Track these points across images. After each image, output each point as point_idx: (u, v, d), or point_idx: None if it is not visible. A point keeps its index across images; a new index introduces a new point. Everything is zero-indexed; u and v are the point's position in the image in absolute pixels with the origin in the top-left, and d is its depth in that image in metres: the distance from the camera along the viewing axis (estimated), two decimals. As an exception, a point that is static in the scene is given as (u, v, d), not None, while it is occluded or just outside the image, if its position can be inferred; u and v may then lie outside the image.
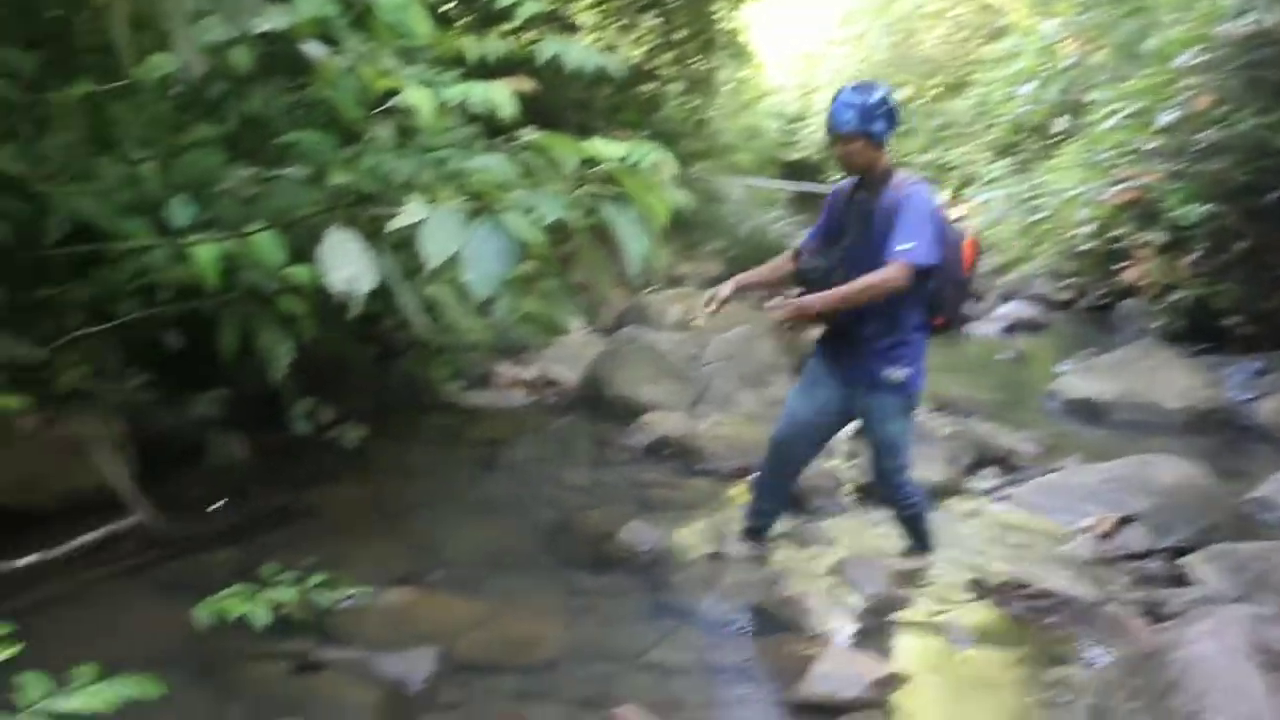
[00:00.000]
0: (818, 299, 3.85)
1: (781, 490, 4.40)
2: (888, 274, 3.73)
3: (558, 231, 3.66)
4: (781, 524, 4.62)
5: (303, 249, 4.25)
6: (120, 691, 2.48)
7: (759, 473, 4.43)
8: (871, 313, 3.90)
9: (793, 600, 4.02)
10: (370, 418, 5.76)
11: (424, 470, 5.70)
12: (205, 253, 4.04)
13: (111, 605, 3.78)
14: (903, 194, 3.86)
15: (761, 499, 4.43)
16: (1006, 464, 5.87)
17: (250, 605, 3.29)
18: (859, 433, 4.32)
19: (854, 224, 4.00)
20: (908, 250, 3.72)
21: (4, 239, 4.15)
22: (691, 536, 4.74)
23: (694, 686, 3.31)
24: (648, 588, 4.15)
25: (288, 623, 3.56)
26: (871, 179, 3.97)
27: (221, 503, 4.77)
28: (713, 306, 4.04)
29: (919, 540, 4.40)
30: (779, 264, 4.25)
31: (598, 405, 7.12)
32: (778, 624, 3.85)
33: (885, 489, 4.31)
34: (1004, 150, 16.05)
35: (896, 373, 3.99)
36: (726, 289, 4.05)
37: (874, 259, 3.80)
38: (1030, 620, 3.82)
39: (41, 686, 2.40)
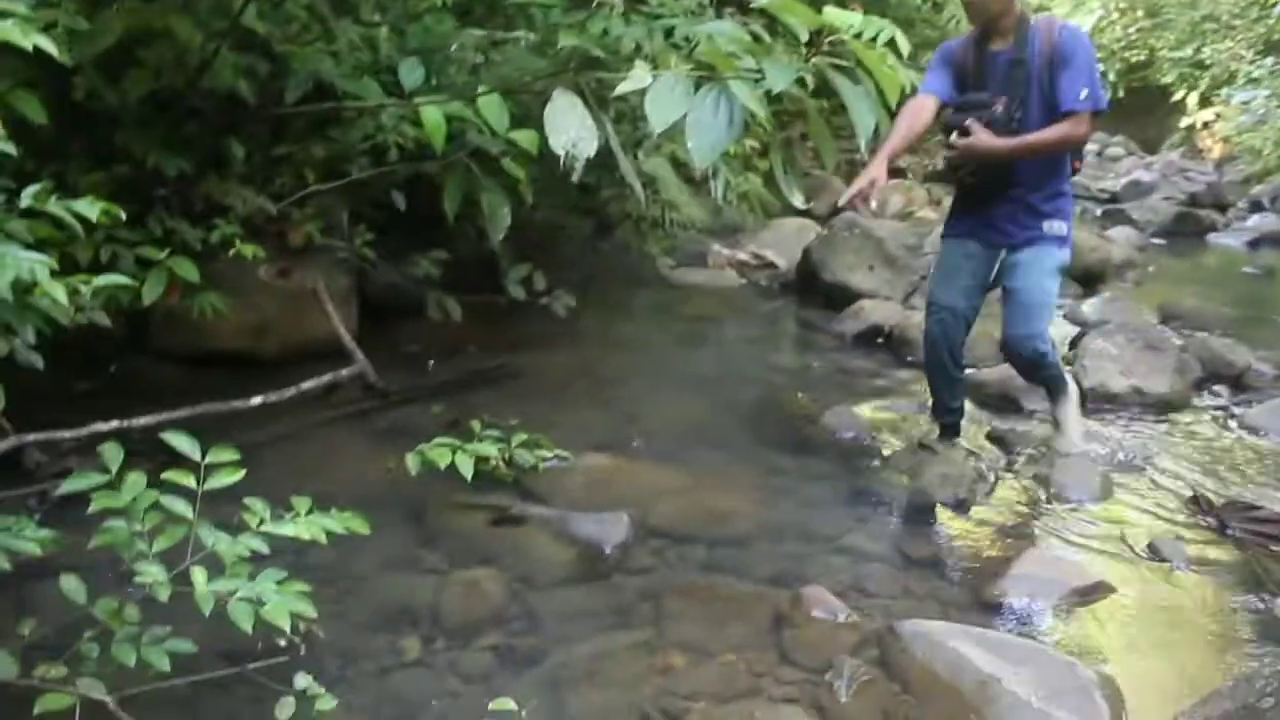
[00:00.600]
0: (1005, 143, 3.63)
1: (954, 383, 4.16)
2: (1077, 127, 3.62)
3: (782, 111, 3.50)
4: (987, 423, 4.42)
5: (528, 115, 4.28)
6: (331, 524, 2.61)
7: (928, 372, 4.20)
8: (1030, 164, 3.72)
9: (993, 500, 3.84)
10: (582, 288, 5.83)
11: (631, 343, 5.74)
12: (433, 115, 4.11)
13: (329, 447, 4.00)
14: (1058, 37, 3.63)
15: (939, 395, 4.21)
16: (1239, 383, 5.38)
17: (457, 457, 3.40)
18: (1003, 298, 3.98)
19: (996, 76, 3.72)
20: (1087, 99, 3.57)
21: (248, 97, 4.33)
22: (895, 427, 4.60)
23: (885, 576, 3.22)
24: (847, 473, 4.05)
25: (491, 477, 3.68)
26: (1004, 27, 3.71)
27: (436, 360, 4.96)
28: (874, 192, 3.53)
29: (1062, 407, 4.21)
30: (913, 123, 3.71)
31: (810, 290, 6.98)
32: (976, 522, 3.69)
33: (1026, 356, 3.94)
34: (1271, 48, 14.48)
35: (1057, 224, 3.81)
36: (878, 167, 3.54)
37: (1042, 108, 3.65)
38: (1251, 544, 3.50)
39: (262, 512, 2.55)
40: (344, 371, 4.40)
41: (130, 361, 4.50)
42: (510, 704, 2.13)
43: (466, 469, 3.38)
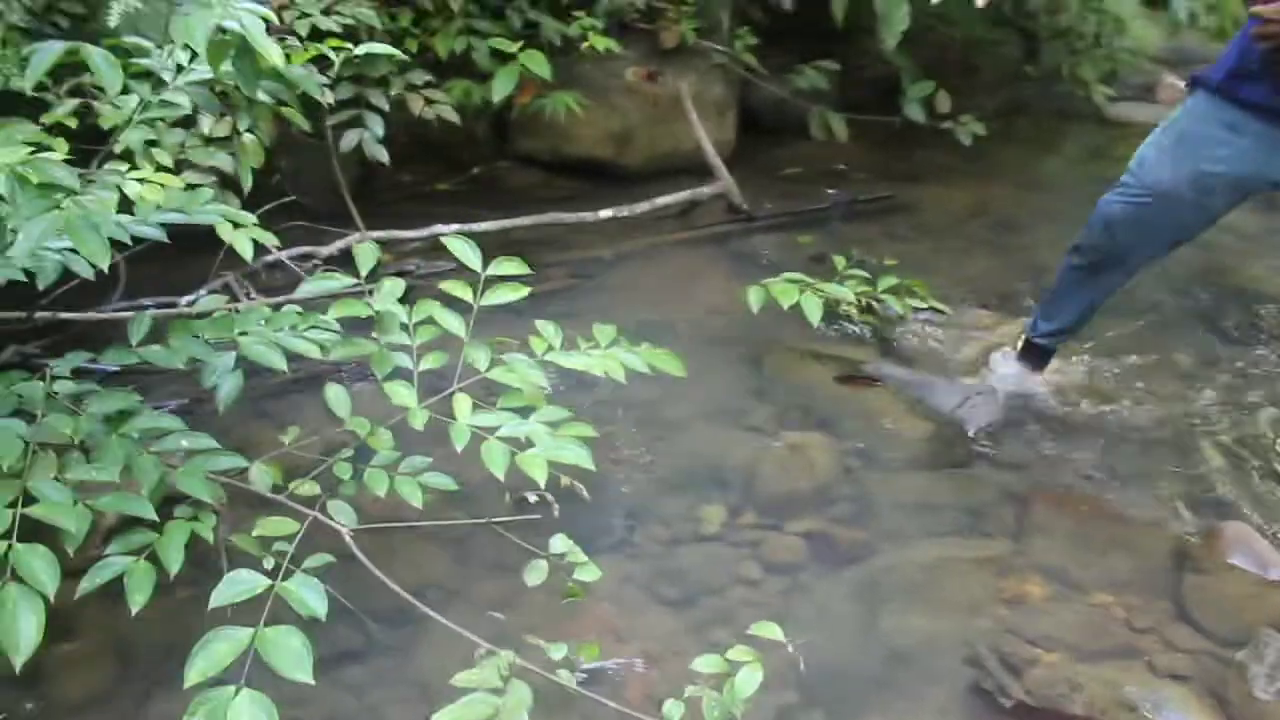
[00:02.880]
0: None
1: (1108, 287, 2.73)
2: None
3: None
4: None
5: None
6: (634, 360, 2.22)
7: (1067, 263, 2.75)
8: None
9: None
10: (995, 116, 4.95)
11: (1047, 184, 4.82)
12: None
13: (675, 270, 3.61)
14: None
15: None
16: None
17: (804, 298, 2.87)
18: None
19: None
20: None
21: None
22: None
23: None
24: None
25: (848, 322, 3.14)
26: None
27: (812, 184, 4.38)
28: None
29: None
30: None
31: None
32: None
33: None
34: None
35: None
36: None
37: None
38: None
39: (552, 337, 2.20)
40: (705, 189, 3.96)
41: (493, 165, 4.32)
42: (776, 632, 1.65)
43: (813, 312, 2.85)
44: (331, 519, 1.90)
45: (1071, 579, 2.13)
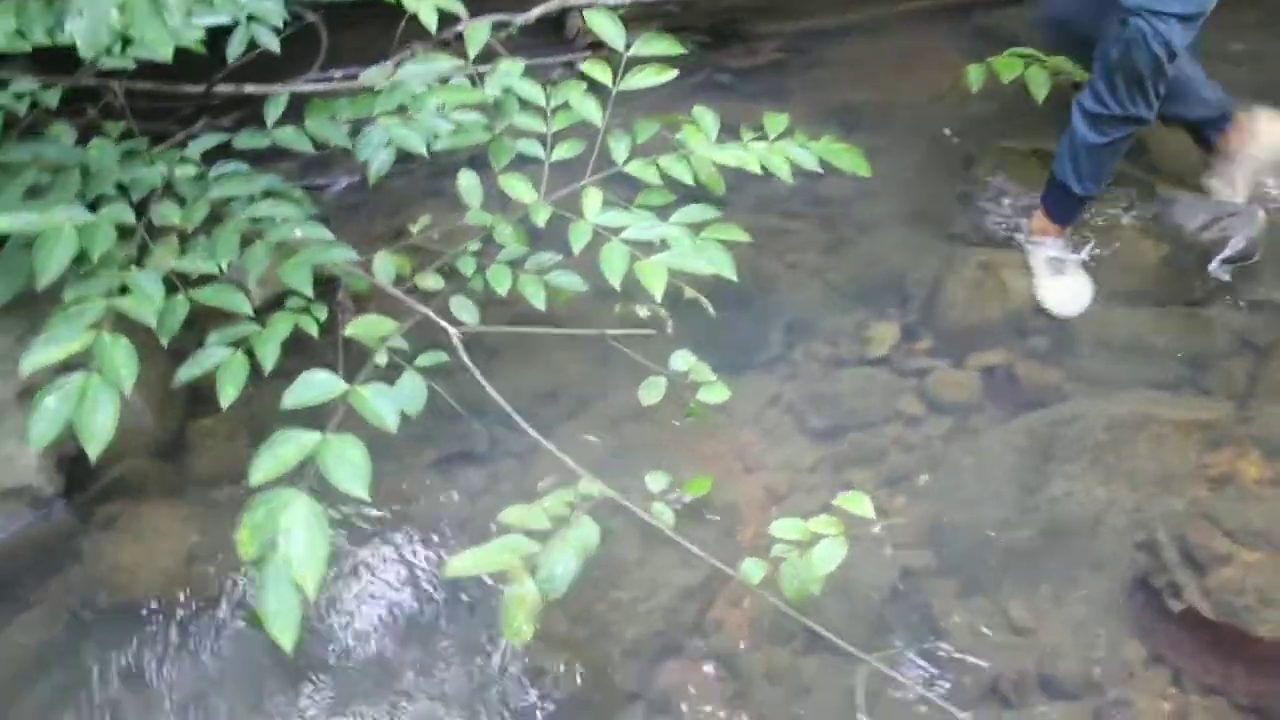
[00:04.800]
0: None
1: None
2: None
3: None
4: None
5: None
6: (804, 157, 1.97)
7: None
8: None
9: None
10: None
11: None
12: None
13: (906, 43, 3.14)
14: None
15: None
16: None
17: (1030, 72, 2.36)
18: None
19: None
20: None
21: None
22: None
23: None
24: None
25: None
26: None
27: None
28: None
29: None
30: None
31: None
32: None
33: None
34: None
35: None
36: None
37: None
38: None
39: (709, 127, 1.96)
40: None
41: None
42: (866, 506, 1.40)
43: (1039, 89, 2.36)
44: (441, 319, 1.79)
45: None
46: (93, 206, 1.77)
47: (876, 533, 1.57)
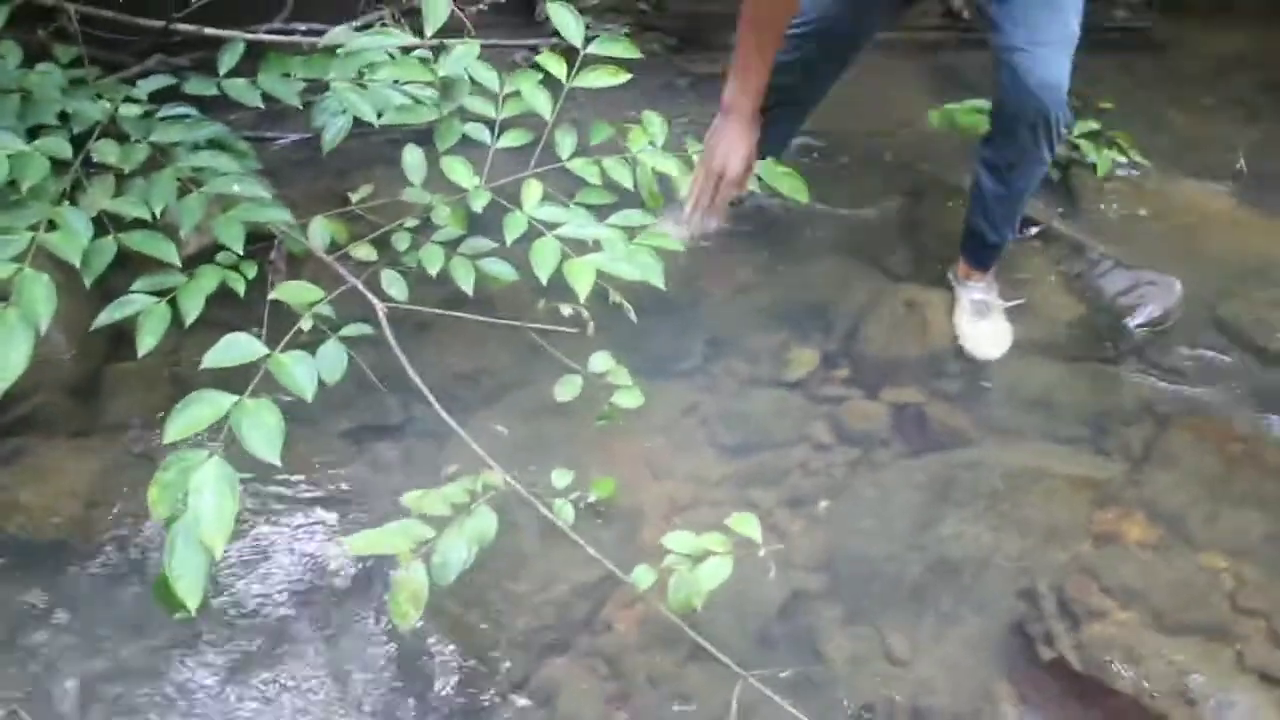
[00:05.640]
0: None
1: None
2: None
3: None
4: None
5: None
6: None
7: None
8: None
9: None
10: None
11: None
12: None
13: (868, 72, 3.08)
14: None
15: None
16: None
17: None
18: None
19: None
20: None
21: None
22: None
23: None
24: None
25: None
26: None
27: None
28: None
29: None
30: None
31: None
32: None
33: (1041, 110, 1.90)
34: None
35: None
36: None
37: None
38: None
39: (655, 130, 1.98)
40: (923, -14, 3.47)
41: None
42: (754, 528, 1.44)
43: None
44: (370, 292, 1.80)
45: (1184, 529, 1.82)
46: (32, 134, 1.76)
47: (772, 552, 1.60)
